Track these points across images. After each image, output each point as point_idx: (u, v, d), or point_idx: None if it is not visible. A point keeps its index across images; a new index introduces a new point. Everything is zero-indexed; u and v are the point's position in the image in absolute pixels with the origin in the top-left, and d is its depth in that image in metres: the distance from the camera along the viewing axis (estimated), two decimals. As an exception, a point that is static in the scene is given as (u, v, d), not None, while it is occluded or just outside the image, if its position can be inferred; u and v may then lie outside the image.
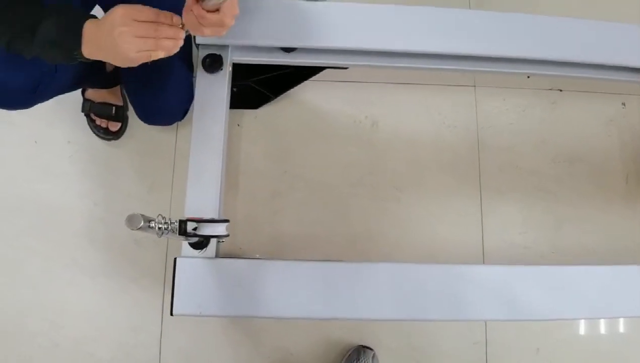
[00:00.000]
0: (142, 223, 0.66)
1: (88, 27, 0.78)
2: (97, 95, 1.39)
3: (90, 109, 1.39)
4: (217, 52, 1.11)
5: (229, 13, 0.81)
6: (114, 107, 1.40)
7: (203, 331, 1.36)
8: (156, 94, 1.19)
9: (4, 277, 1.36)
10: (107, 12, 0.77)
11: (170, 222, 0.74)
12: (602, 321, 1.45)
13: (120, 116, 1.42)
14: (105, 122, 1.41)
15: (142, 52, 0.76)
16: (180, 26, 0.81)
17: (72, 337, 1.34)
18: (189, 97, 1.23)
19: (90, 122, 1.44)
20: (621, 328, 1.45)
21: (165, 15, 0.79)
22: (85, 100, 1.40)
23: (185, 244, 1.03)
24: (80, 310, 1.35)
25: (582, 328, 1.45)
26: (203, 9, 0.78)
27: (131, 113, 1.44)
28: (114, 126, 1.42)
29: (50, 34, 0.77)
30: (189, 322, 1.36)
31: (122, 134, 1.45)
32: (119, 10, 0.75)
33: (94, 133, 1.44)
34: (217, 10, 0.79)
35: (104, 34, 0.76)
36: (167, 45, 0.79)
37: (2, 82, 0.93)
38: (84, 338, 1.34)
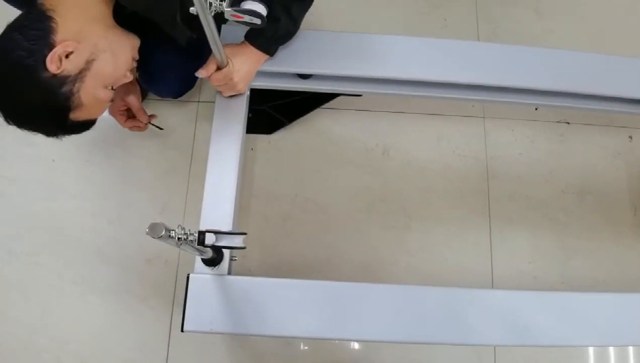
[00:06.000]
0: (163, 232, 0.68)
1: None
2: None
3: None
4: (237, 77, 1.15)
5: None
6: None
7: (209, 352, 1.35)
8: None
9: (14, 293, 1.37)
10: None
11: (190, 233, 0.76)
12: (612, 353, 1.43)
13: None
14: None
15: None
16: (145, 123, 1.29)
17: (78, 355, 1.34)
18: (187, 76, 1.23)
19: None
20: (632, 361, 1.43)
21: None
22: None
23: (198, 261, 1.04)
24: (87, 328, 1.35)
25: (592, 360, 1.43)
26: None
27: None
28: None
29: None
30: (196, 343, 1.36)
31: None
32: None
33: None
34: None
35: None
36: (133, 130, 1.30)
37: None
38: (91, 356, 1.34)
